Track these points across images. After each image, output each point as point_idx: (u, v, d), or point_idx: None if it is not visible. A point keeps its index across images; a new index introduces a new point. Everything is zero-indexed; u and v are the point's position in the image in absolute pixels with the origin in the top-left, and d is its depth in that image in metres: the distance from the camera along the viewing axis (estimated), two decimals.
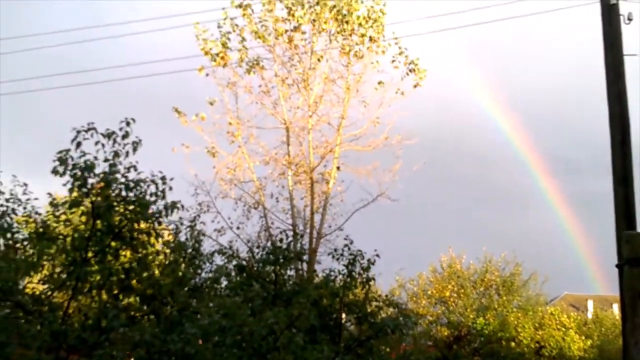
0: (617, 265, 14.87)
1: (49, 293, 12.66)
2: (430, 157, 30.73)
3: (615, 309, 43.94)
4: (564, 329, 36.46)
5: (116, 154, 11.99)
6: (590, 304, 52.66)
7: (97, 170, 11.94)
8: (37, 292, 12.80)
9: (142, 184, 12.10)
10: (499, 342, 35.97)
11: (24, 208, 13.04)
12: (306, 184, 26.36)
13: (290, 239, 19.67)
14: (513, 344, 35.84)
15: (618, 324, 36.14)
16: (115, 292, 12.54)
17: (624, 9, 15.35)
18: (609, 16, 15.39)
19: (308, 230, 25.58)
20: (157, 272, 12.91)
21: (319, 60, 25.96)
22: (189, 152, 25.44)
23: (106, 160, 12.00)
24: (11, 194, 12.94)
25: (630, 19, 15.38)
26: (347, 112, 26.39)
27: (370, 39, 25.71)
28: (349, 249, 17.49)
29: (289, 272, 18.22)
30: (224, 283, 15.91)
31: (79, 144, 11.77)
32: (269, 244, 18.24)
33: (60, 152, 11.78)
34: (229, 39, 25.72)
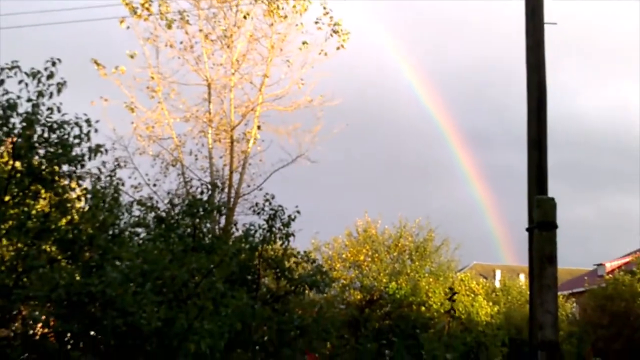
0: (527, 229, 15.43)
1: None
2: (351, 120, 30.82)
3: (522, 278, 45.29)
4: (472, 295, 37.36)
5: (40, 94, 11.80)
6: (498, 273, 54.09)
7: (20, 110, 11.77)
8: None
9: (66, 126, 11.95)
10: (410, 307, 36.62)
11: None
12: (226, 142, 26.37)
13: (210, 192, 19.69)
14: (423, 308, 36.54)
15: (524, 292, 37.32)
16: (33, 236, 12.39)
17: None
18: None
19: (227, 190, 25.63)
20: (76, 217, 12.79)
21: (244, 17, 25.85)
22: (107, 106, 25.12)
23: (29, 100, 11.80)
24: None
25: None
26: (270, 71, 26.43)
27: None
28: (270, 204, 17.63)
29: (207, 226, 18.31)
30: (143, 234, 15.85)
31: (1, 82, 11.57)
32: (189, 197, 18.18)
33: None
34: None
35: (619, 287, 37.21)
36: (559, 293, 14.92)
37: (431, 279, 39.07)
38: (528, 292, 15.57)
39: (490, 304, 37.15)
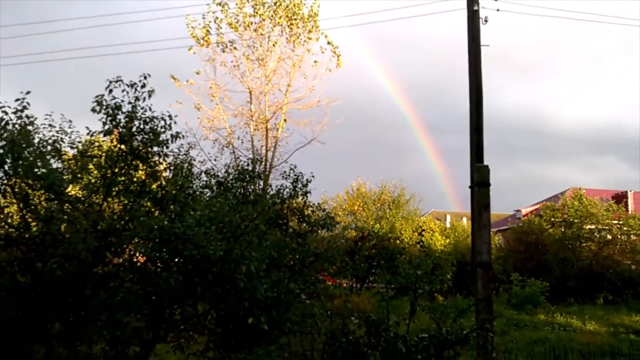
0: (470, 187, 15.43)
1: (87, 195, 12.49)
2: (348, 115, 31.19)
3: (465, 220, 45.34)
4: (431, 232, 37.45)
5: (137, 98, 11.80)
6: (448, 217, 54.14)
7: (123, 109, 11.76)
8: (79, 195, 12.62)
9: (155, 120, 11.95)
10: (389, 241, 36.77)
11: (69, 137, 12.73)
12: (262, 131, 26.58)
13: (252, 165, 19.88)
14: (398, 241, 36.67)
15: (467, 230, 37.40)
16: (135, 195, 12.43)
17: (482, 13, 15.63)
18: (472, 18, 15.64)
19: (264, 163, 25.85)
20: (164, 182, 12.82)
21: (273, 45, 25.94)
22: (181, 107, 25.32)
23: (129, 102, 11.80)
24: (60, 127, 12.64)
25: (486, 21, 15.67)
26: (292, 82, 26.62)
27: (309, 31, 25.81)
28: (293, 171, 17.63)
29: (251, 187, 18.31)
30: (208, 194, 15.88)
31: (110, 91, 11.55)
32: (238, 168, 18.22)
33: (97, 96, 11.55)
34: (210, 27, 25.46)
35: (531, 225, 37.22)
36: (491, 230, 14.95)
37: (403, 222, 39.19)
38: (470, 230, 15.58)
39: (444, 238, 37.26)
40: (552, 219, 36.51)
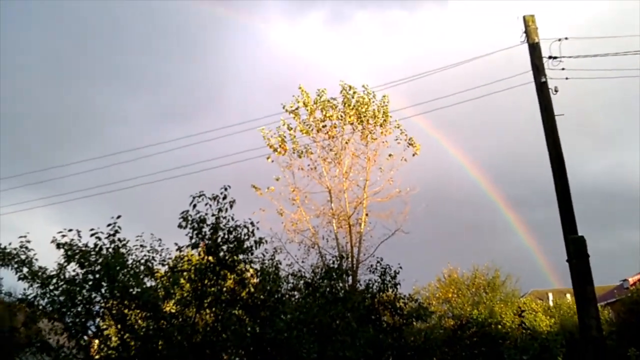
0: (567, 260, 14.47)
1: (180, 310, 12.61)
2: (428, 201, 30.49)
3: (568, 297, 42.63)
4: (534, 313, 35.35)
5: (219, 210, 12.06)
6: (550, 296, 51.11)
7: (208, 222, 12.01)
8: (173, 310, 12.76)
9: (238, 228, 12.12)
10: (489, 326, 34.93)
11: (160, 255, 13.09)
12: (346, 227, 26.35)
13: (339, 262, 19.57)
14: (500, 326, 34.78)
15: (573, 306, 34.95)
16: (225, 305, 12.43)
17: (551, 83, 15.20)
18: (541, 90, 15.24)
19: (350, 259, 25.47)
20: (252, 289, 12.79)
21: (346, 143, 26.27)
22: (264, 213, 25.64)
23: (213, 214, 12.06)
24: (151, 246, 13.04)
25: (556, 91, 15.22)
26: (369, 175, 26.50)
27: (380, 125, 26.02)
28: (380, 264, 17.36)
29: (340, 284, 18.03)
30: (297, 295, 15.72)
31: (194, 206, 11.89)
32: (325, 267, 18.03)
33: (183, 212, 11.91)
34: (285, 136, 26.18)
35: None
36: (598, 304, 13.77)
37: (502, 305, 37.29)
38: (575, 306, 14.40)
39: (548, 317, 35.08)
40: None
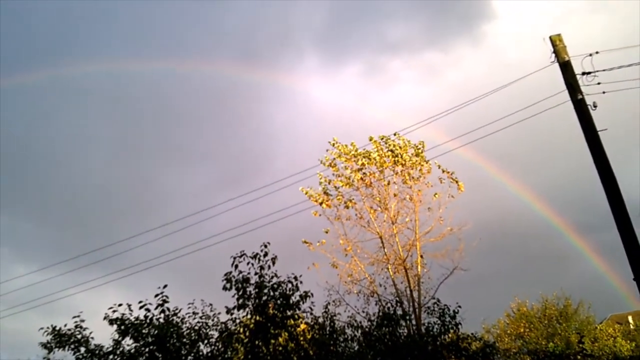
0: (634, 279, 13.60)
1: None
2: (483, 236, 29.56)
3: None
4: (612, 339, 33.30)
5: (261, 267, 11.93)
6: (630, 318, 48.25)
7: (252, 281, 11.86)
8: None
9: (282, 284, 11.91)
10: (567, 358, 33.00)
11: (212, 320, 12.97)
12: (402, 271, 25.81)
13: (398, 307, 19.03)
14: (579, 357, 32.79)
15: None
16: None
17: (589, 99, 14.63)
18: (579, 107, 14.69)
19: (412, 304, 24.80)
20: (305, 344, 12.44)
21: (387, 185, 26.04)
22: (319, 268, 25.45)
23: (256, 273, 11.92)
24: (202, 312, 12.94)
25: (595, 106, 14.65)
26: (419, 217, 26.06)
27: (419, 165, 25.74)
28: (438, 305, 16.75)
29: (399, 330, 17.43)
30: (355, 346, 15.20)
31: (236, 266, 11.80)
32: (381, 313, 17.51)
33: (226, 274, 11.82)
34: (328, 189, 26.18)
35: None
36: None
37: (578, 334, 35.34)
38: None
39: (628, 342, 32.93)
40: None
